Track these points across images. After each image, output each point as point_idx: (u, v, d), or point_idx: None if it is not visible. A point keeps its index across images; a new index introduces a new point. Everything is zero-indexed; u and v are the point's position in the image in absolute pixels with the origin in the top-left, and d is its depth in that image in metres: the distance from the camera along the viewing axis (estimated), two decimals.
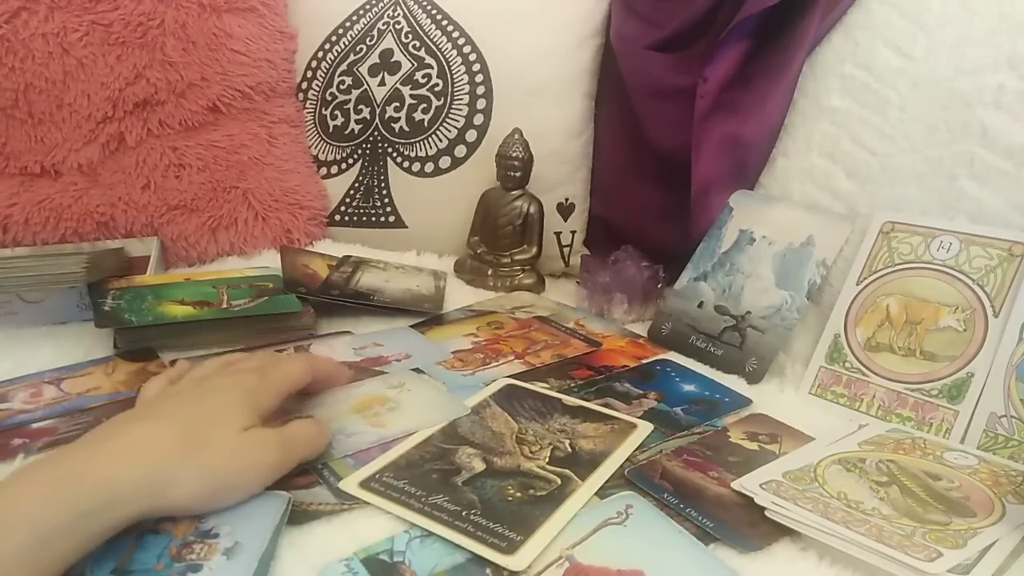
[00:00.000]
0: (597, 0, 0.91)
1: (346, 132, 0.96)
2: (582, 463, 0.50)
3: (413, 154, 0.93)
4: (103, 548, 0.39)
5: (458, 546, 0.42)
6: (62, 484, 0.37)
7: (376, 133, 0.95)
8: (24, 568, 0.35)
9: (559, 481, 0.48)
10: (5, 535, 0.35)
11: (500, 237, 0.88)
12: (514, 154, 0.86)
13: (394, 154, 0.94)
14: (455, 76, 0.92)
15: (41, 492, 0.37)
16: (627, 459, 0.52)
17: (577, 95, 0.91)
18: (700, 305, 0.73)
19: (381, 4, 0.96)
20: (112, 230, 0.85)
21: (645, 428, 0.55)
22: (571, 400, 0.59)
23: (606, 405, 0.59)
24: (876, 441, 0.56)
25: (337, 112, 0.96)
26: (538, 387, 0.61)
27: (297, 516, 0.44)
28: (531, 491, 0.47)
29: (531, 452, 0.51)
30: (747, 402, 0.62)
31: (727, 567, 0.42)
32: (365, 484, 0.47)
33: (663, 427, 0.56)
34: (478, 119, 0.91)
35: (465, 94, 0.91)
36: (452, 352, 0.68)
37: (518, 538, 0.42)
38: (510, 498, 0.46)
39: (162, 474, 0.39)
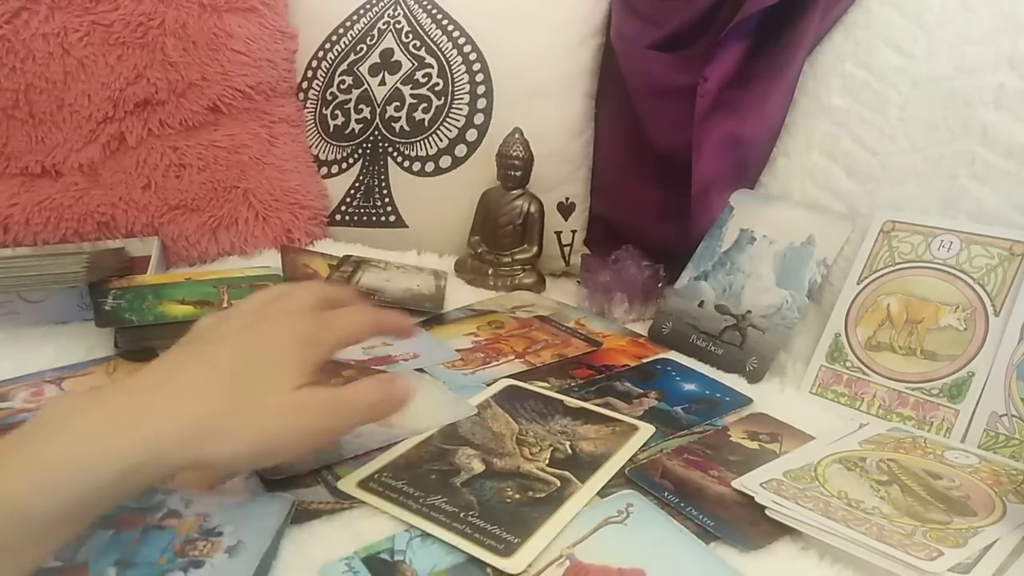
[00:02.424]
0: None
1: (346, 132, 0.96)
2: (582, 465, 0.50)
3: (413, 153, 0.93)
4: (109, 540, 0.39)
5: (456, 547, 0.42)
6: (112, 435, 0.36)
7: (376, 133, 0.95)
8: (70, 522, 0.34)
9: (558, 483, 0.48)
10: (52, 489, 0.33)
11: (500, 236, 0.88)
12: (514, 153, 0.86)
13: (394, 153, 0.94)
14: (455, 75, 0.92)
15: (91, 443, 0.35)
16: (628, 461, 0.51)
17: (577, 94, 0.91)
18: (701, 304, 0.73)
19: (381, 4, 0.96)
20: (113, 230, 0.85)
21: (647, 430, 0.55)
22: (573, 401, 0.59)
23: (606, 404, 0.59)
24: (877, 440, 0.56)
25: (337, 112, 0.96)
26: (538, 387, 0.61)
27: (298, 515, 0.44)
28: (530, 493, 0.46)
29: (531, 453, 0.51)
30: (747, 401, 0.62)
31: (728, 566, 0.42)
32: (363, 484, 0.47)
33: (664, 426, 0.56)
34: (478, 118, 0.91)
35: (465, 93, 0.91)
36: (455, 351, 0.68)
37: (515, 540, 0.42)
38: (508, 500, 0.46)
39: (209, 430, 0.37)
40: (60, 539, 0.35)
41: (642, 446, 0.53)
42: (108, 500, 0.35)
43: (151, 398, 0.38)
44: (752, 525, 0.46)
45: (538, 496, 0.46)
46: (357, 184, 0.96)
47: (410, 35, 0.94)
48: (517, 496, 0.46)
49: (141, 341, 0.67)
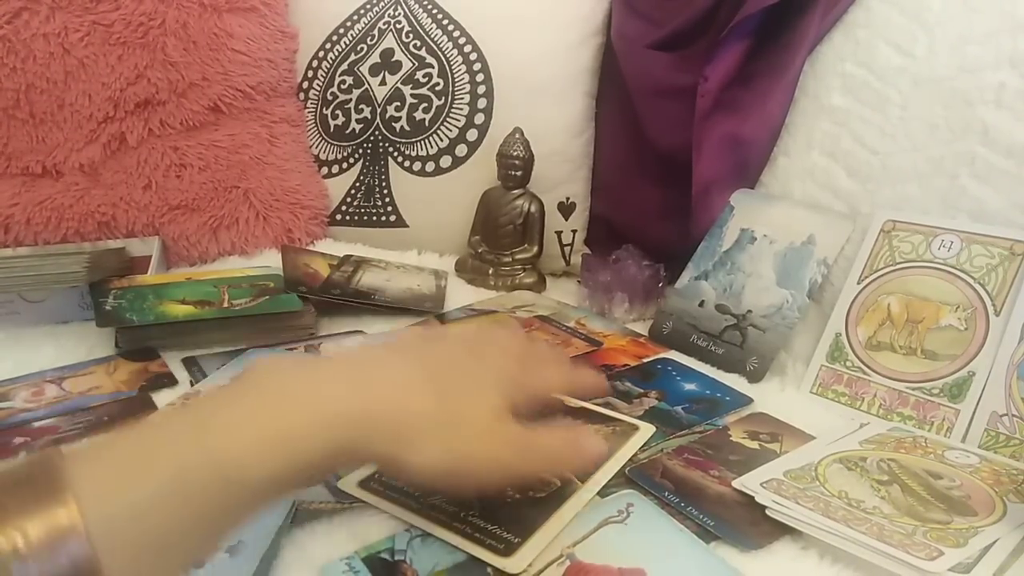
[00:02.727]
0: None
1: (347, 131, 0.96)
2: None
3: (414, 153, 0.93)
4: None
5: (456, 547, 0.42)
6: (323, 411, 0.34)
7: (377, 132, 0.95)
8: (277, 492, 0.33)
9: (558, 483, 0.48)
10: (270, 455, 0.32)
11: (501, 236, 0.88)
12: (515, 153, 0.86)
13: (395, 153, 0.94)
14: (456, 75, 0.92)
15: (304, 417, 0.34)
16: (626, 463, 0.51)
17: (578, 94, 0.91)
18: (701, 304, 0.73)
19: (382, 4, 0.96)
20: (113, 230, 0.85)
21: (647, 430, 0.55)
22: (573, 401, 0.59)
23: (607, 404, 0.59)
24: (877, 440, 0.56)
25: (338, 111, 0.96)
26: None
27: (298, 514, 0.44)
28: (530, 492, 0.46)
29: None
30: (748, 401, 0.62)
31: (728, 565, 0.42)
32: (364, 484, 0.47)
33: (664, 426, 0.56)
34: (479, 118, 0.91)
35: (466, 93, 0.91)
36: None
37: (515, 540, 0.42)
38: (509, 499, 0.46)
39: (414, 428, 0.36)
40: (259, 510, 0.33)
41: (642, 446, 0.53)
42: (314, 476, 0.34)
43: (365, 374, 0.37)
44: (752, 525, 0.46)
45: (538, 496, 0.46)
46: (357, 184, 0.96)
47: (410, 35, 0.94)
48: (517, 495, 0.46)
49: (142, 341, 0.67)
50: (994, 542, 0.44)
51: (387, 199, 0.95)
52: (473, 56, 0.92)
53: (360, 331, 0.73)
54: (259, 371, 0.36)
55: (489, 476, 0.39)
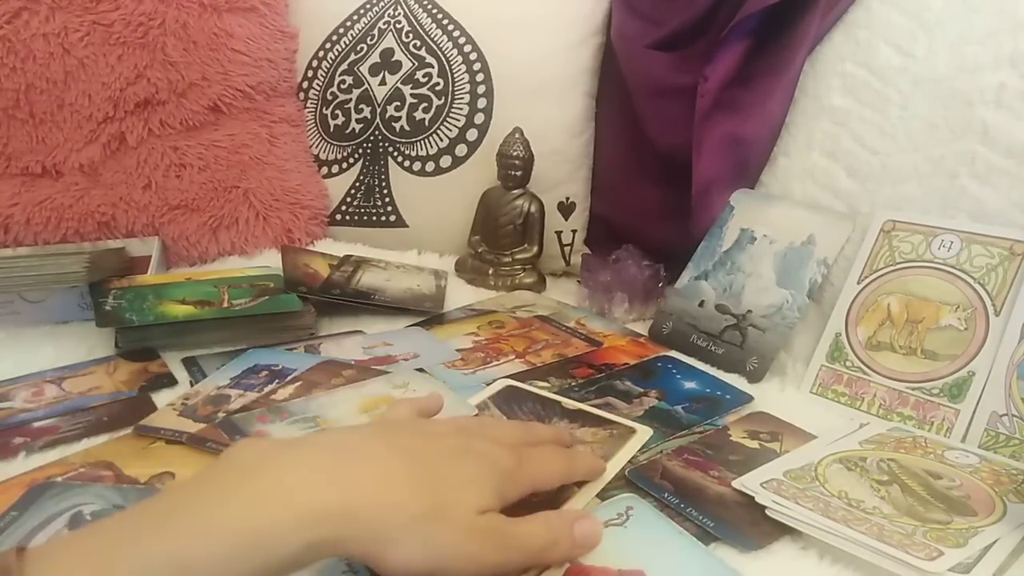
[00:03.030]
0: None
1: (347, 131, 0.96)
2: None
3: (414, 153, 0.93)
4: None
5: None
6: (298, 508, 0.32)
7: (377, 132, 0.95)
8: None
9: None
10: (237, 556, 0.31)
11: (501, 236, 0.88)
12: (515, 153, 0.86)
13: (395, 153, 0.94)
14: (456, 75, 0.92)
15: (277, 515, 0.32)
16: (625, 464, 0.51)
17: (578, 94, 0.91)
18: (701, 304, 0.73)
19: (382, 3, 0.96)
20: (113, 230, 0.85)
21: (644, 433, 0.55)
22: (571, 403, 0.58)
23: (607, 404, 0.59)
24: (877, 440, 0.56)
25: (338, 111, 0.96)
26: (539, 386, 0.61)
27: None
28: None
29: None
30: (749, 399, 0.62)
31: (728, 567, 0.42)
32: None
33: (664, 426, 0.56)
34: (479, 118, 0.91)
35: (466, 93, 0.91)
36: (456, 351, 0.68)
37: None
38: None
39: (389, 527, 0.34)
40: None
41: (642, 447, 0.53)
42: (286, 572, 0.32)
43: (345, 465, 0.36)
44: (752, 525, 0.46)
45: (533, 499, 0.46)
46: (357, 184, 0.96)
47: (410, 35, 0.94)
48: None
49: (142, 341, 0.67)
50: (994, 542, 0.44)
51: (387, 199, 0.95)
52: (473, 56, 0.92)
53: (360, 331, 0.73)
54: (233, 459, 0.35)
55: (467, 574, 0.36)
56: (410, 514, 0.35)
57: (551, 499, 0.45)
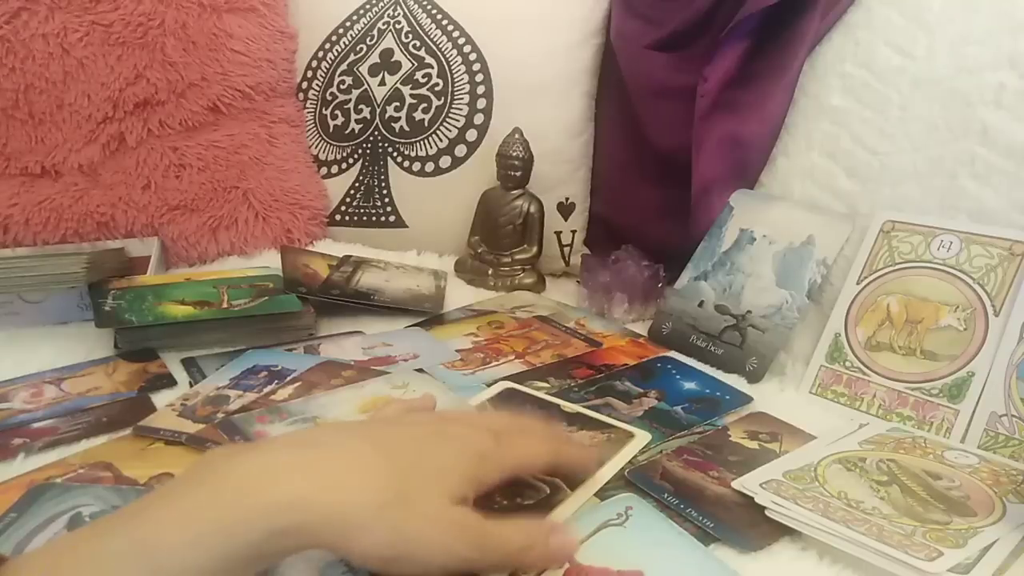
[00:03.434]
0: None
1: (346, 132, 0.96)
2: (574, 472, 0.49)
3: (413, 154, 0.93)
4: None
5: None
6: (262, 499, 0.33)
7: (376, 133, 0.95)
8: None
9: (548, 490, 0.47)
10: (205, 542, 0.32)
11: (500, 237, 0.88)
12: (514, 153, 0.86)
13: (394, 154, 0.94)
14: (455, 75, 0.92)
15: (240, 506, 0.33)
16: (622, 468, 0.50)
17: (577, 94, 0.91)
18: (700, 304, 0.73)
19: (381, 4, 0.96)
20: (112, 230, 0.85)
21: (643, 437, 0.54)
22: (570, 406, 0.58)
23: (606, 404, 0.59)
24: (876, 440, 0.56)
25: (337, 112, 0.96)
26: (538, 387, 0.61)
27: None
28: (518, 499, 0.45)
29: None
30: (748, 399, 0.62)
31: (727, 567, 0.42)
32: None
33: (663, 427, 0.56)
34: (478, 118, 0.91)
35: (465, 93, 0.91)
36: (456, 351, 0.68)
37: None
38: (496, 506, 0.44)
39: (353, 516, 0.34)
40: None
41: (642, 448, 0.53)
42: (261, 563, 0.33)
43: (312, 458, 0.36)
44: (752, 526, 0.46)
45: (527, 503, 0.45)
46: (357, 184, 0.96)
47: (410, 35, 0.94)
48: (505, 502, 0.45)
49: (141, 341, 0.67)
50: (993, 542, 0.44)
51: (386, 199, 0.95)
52: (472, 56, 0.92)
53: (359, 331, 0.73)
54: (208, 457, 0.36)
55: (436, 563, 0.36)
56: (377, 500, 0.35)
57: (544, 501, 0.45)
